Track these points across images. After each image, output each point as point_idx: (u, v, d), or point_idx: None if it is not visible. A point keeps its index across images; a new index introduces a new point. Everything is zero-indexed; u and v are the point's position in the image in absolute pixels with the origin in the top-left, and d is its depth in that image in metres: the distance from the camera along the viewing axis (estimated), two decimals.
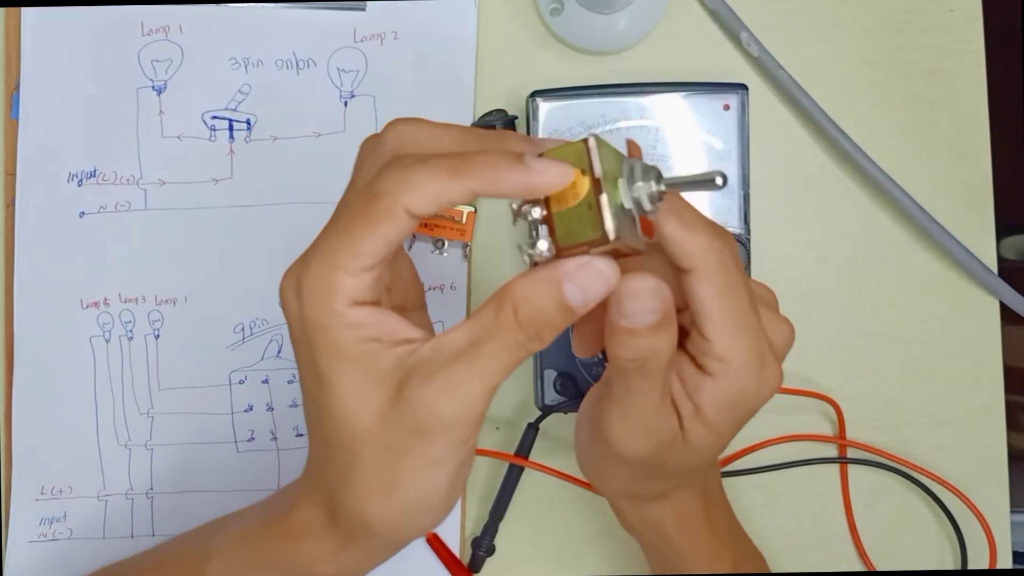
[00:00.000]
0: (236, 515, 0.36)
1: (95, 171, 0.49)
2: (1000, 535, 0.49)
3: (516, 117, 0.47)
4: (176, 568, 0.36)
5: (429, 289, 0.49)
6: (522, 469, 0.48)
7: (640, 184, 0.26)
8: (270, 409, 0.49)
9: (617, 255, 0.27)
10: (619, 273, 0.27)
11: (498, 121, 0.47)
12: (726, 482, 0.43)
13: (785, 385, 0.48)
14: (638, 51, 0.50)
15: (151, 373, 0.49)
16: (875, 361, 0.50)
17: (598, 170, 0.25)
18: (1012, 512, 0.50)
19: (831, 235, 0.50)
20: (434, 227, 0.48)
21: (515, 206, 0.27)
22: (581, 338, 0.32)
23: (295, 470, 0.49)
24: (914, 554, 0.50)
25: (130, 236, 0.49)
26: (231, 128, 0.50)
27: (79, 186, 0.49)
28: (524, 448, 0.48)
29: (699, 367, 0.29)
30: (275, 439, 0.49)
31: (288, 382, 0.49)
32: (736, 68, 0.49)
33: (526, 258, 0.27)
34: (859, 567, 0.50)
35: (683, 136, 0.45)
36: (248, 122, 0.50)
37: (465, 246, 0.49)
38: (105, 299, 0.49)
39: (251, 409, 0.49)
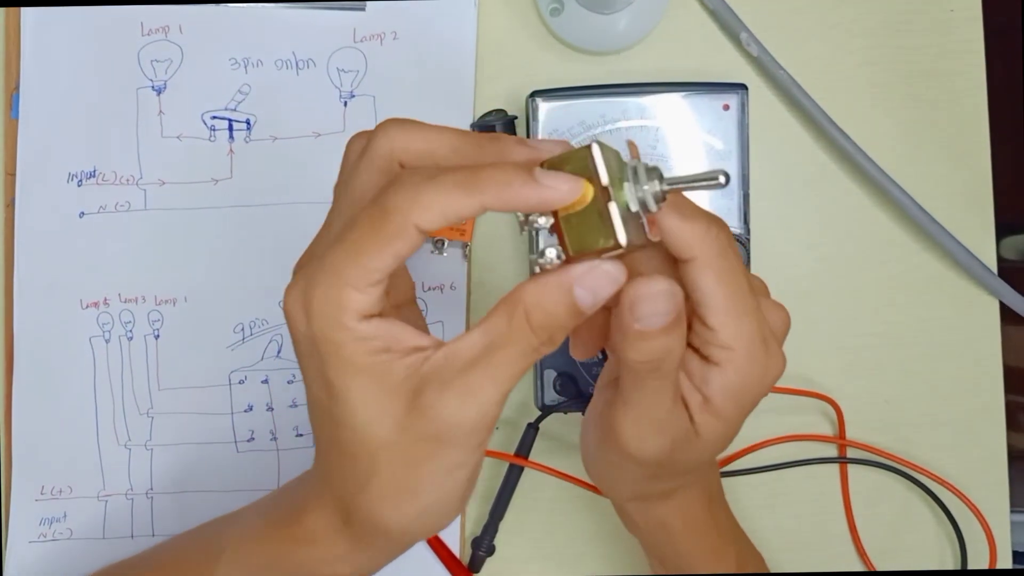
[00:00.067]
0: (237, 516, 0.36)
1: (95, 171, 0.49)
2: (1000, 535, 0.49)
3: (516, 117, 0.47)
4: (179, 571, 0.36)
5: (429, 289, 0.49)
6: (522, 469, 0.48)
7: (646, 187, 0.27)
8: (270, 409, 0.49)
9: (623, 254, 0.27)
10: (626, 272, 0.27)
11: (498, 121, 0.47)
12: (726, 482, 0.43)
13: (785, 385, 0.49)
14: (638, 51, 0.50)
15: (151, 373, 0.49)
16: (875, 361, 0.50)
17: (605, 178, 0.26)
18: (1012, 512, 0.50)
19: (831, 235, 0.50)
20: None
21: (522, 216, 0.27)
22: (579, 341, 0.33)
23: (295, 470, 0.49)
24: (914, 554, 0.50)
25: (130, 236, 0.49)
26: (231, 128, 0.50)
27: (79, 186, 0.49)
28: (524, 448, 0.48)
29: (704, 358, 0.29)
30: (275, 439, 0.49)
31: (288, 382, 0.49)
32: (736, 68, 0.49)
33: (536, 268, 0.27)
34: (859, 567, 0.50)
35: (683, 136, 0.45)
36: (248, 122, 0.50)
37: (465, 246, 0.49)
38: (105, 299, 0.49)
39: (251, 409, 0.49)
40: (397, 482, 0.28)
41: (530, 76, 0.49)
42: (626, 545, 0.49)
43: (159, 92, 0.50)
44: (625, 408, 0.30)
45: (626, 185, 0.26)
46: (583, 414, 0.46)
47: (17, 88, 0.49)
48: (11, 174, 0.49)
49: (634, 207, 0.26)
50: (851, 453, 0.50)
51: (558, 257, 0.26)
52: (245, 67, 0.49)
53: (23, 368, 0.49)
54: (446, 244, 0.49)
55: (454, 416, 0.26)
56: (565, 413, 0.47)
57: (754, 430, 0.49)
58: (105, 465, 0.49)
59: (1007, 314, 0.50)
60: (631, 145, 0.29)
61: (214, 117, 0.50)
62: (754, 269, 0.47)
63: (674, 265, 0.29)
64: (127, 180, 0.49)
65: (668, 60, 0.50)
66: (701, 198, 0.45)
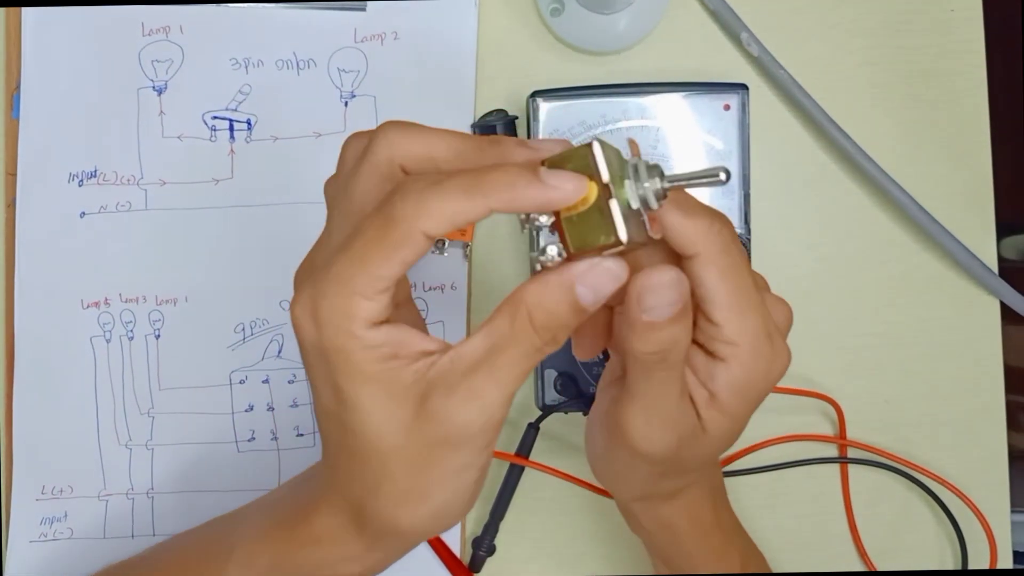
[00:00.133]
0: (240, 515, 0.36)
1: (96, 171, 0.49)
2: (1000, 535, 0.49)
3: (516, 117, 0.47)
4: (185, 571, 0.36)
5: (430, 289, 0.49)
6: (522, 469, 0.48)
7: (647, 184, 0.27)
8: (271, 409, 0.49)
9: (624, 251, 0.27)
10: (627, 269, 0.27)
11: (498, 121, 0.47)
12: (727, 482, 0.43)
13: (785, 385, 0.49)
14: (638, 51, 0.50)
15: (152, 373, 0.49)
16: (875, 361, 0.50)
17: (606, 176, 0.26)
18: (1012, 512, 0.50)
19: (831, 235, 0.50)
20: None
21: (523, 215, 0.27)
22: (581, 341, 0.33)
23: (296, 470, 0.49)
24: (914, 554, 0.50)
25: (131, 236, 0.49)
26: (231, 128, 0.50)
27: (80, 186, 0.49)
28: (524, 448, 0.48)
29: (709, 354, 0.30)
30: (276, 439, 0.49)
31: (289, 382, 0.49)
32: (736, 68, 0.50)
33: (538, 266, 0.27)
34: (859, 567, 0.50)
35: (683, 136, 0.45)
36: (248, 122, 0.50)
37: (465, 246, 0.49)
38: (106, 299, 0.49)
39: (252, 409, 0.49)
40: (408, 485, 0.28)
41: (530, 76, 0.49)
42: (627, 545, 0.49)
43: (160, 92, 0.50)
44: (632, 403, 0.30)
45: (627, 183, 0.27)
46: (584, 414, 0.46)
47: (18, 88, 0.49)
48: (12, 174, 0.49)
49: (635, 204, 0.27)
50: (851, 453, 0.50)
51: (559, 255, 0.26)
52: (246, 67, 0.49)
53: (24, 368, 0.49)
54: (447, 244, 0.49)
55: (461, 419, 0.27)
56: (566, 413, 0.47)
57: (755, 430, 0.50)
58: (106, 465, 0.49)
59: (1007, 314, 0.50)
60: (632, 143, 0.29)
61: (215, 117, 0.50)
62: (755, 269, 0.47)
63: (676, 262, 0.29)
64: (128, 180, 0.49)
65: (668, 60, 0.50)
66: (702, 197, 0.45)
